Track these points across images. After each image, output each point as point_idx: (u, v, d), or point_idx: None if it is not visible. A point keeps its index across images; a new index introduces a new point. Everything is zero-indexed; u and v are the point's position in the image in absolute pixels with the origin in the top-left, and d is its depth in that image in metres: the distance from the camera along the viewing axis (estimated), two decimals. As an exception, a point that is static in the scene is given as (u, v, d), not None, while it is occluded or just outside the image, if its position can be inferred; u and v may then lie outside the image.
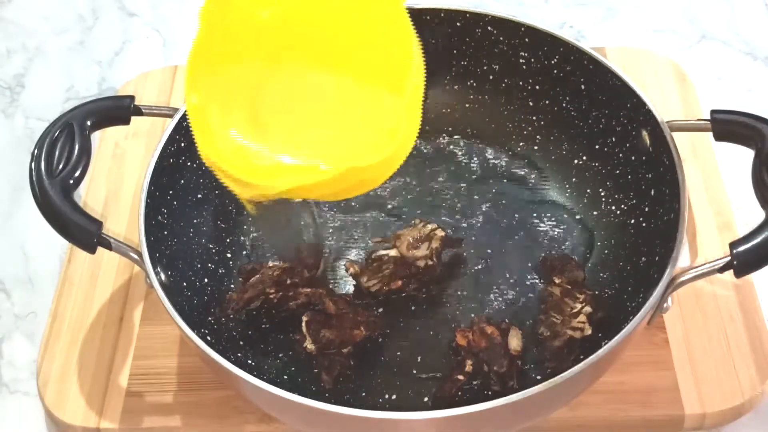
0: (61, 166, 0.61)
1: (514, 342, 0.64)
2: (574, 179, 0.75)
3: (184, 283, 0.66)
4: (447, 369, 0.64)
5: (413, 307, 0.69)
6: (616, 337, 0.55)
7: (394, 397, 0.64)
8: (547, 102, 0.76)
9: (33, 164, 0.61)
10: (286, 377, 0.65)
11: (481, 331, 0.64)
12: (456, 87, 0.79)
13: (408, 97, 0.54)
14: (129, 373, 0.68)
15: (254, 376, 0.55)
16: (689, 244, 0.73)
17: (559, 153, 0.76)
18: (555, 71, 0.73)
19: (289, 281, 0.67)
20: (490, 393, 0.62)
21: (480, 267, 0.71)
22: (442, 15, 0.75)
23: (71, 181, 0.61)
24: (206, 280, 0.69)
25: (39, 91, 0.95)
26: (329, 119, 0.59)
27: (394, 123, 0.55)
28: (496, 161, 0.78)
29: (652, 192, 0.67)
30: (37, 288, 0.78)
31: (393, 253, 0.69)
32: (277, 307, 0.67)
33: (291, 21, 0.58)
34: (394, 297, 0.69)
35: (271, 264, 0.69)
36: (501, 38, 0.75)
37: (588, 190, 0.74)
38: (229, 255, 0.72)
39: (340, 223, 0.75)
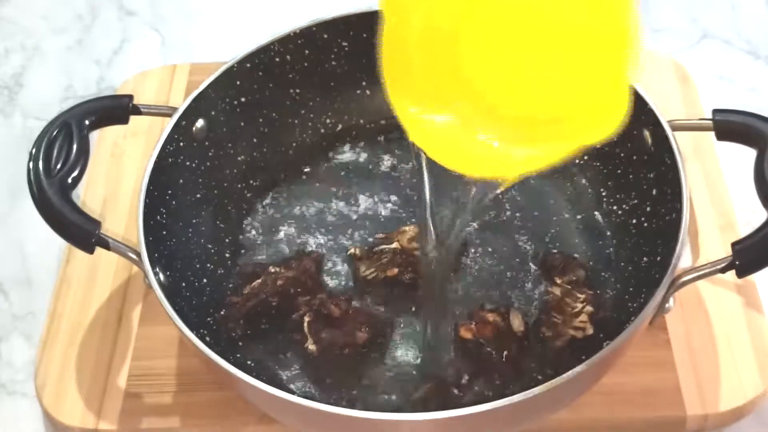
0: (59, 166, 0.61)
1: (516, 322, 0.64)
2: (575, 178, 0.75)
3: (183, 284, 0.65)
4: (448, 369, 0.64)
5: (413, 308, 0.69)
6: (618, 338, 0.55)
7: (394, 397, 0.64)
8: (548, 101, 0.75)
9: (31, 164, 0.61)
10: (285, 378, 0.65)
11: (483, 321, 0.64)
12: (456, 86, 0.78)
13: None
14: (127, 374, 0.68)
15: (253, 377, 0.54)
16: (691, 244, 0.72)
17: (560, 152, 0.76)
18: (556, 70, 0.73)
19: (292, 291, 0.67)
20: (490, 393, 0.62)
21: (480, 267, 0.71)
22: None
23: (69, 181, 0.61)
24: (205, 280, 0.68)
25: (37, 90, 0.94)
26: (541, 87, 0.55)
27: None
28: (497, 161, 0.77)
29: (654, 192, 0.66)
30: (35, 288, 0.77)
31: (394, 245, 0.69)
32: (278, 314, 0.67)
33: None
34: (394, 296, 0.68)
35: (272, 269, 0.68)
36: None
37: (589, 190, 0.74)
38: (228, 255, 0.72)
39: (339, 221, 0.74)
